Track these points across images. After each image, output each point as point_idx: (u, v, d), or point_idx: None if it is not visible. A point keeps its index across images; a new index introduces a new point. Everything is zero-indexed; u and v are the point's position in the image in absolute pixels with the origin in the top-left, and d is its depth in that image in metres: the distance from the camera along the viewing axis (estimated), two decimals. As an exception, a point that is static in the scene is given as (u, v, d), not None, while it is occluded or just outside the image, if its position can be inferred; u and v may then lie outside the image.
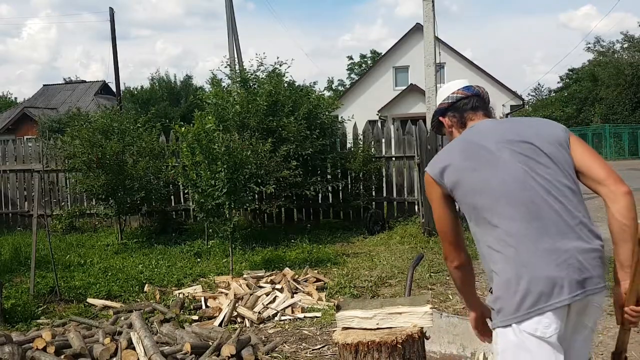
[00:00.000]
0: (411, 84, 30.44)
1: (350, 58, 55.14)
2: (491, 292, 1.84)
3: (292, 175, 8.18)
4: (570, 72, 42.20)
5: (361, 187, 9.70)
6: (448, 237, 2.08)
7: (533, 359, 1.72)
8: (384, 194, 9.89)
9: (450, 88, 2.24)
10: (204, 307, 5.30)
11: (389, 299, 2.04)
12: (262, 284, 5.79)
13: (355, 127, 10.07)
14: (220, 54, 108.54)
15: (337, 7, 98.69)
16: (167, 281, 6.38)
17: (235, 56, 15.44)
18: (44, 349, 3.90)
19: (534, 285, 1.72)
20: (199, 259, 7.51)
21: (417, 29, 28.40)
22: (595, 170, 1.86)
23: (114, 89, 27.94)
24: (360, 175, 9.69)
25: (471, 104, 2.16)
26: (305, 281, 5.93)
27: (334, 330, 2.15)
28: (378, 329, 1.87)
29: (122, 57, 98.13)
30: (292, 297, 5.41)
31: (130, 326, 4.36)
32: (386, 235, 8.68)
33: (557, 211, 1.78)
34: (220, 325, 4.76)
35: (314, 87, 10.96)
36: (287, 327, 4.80)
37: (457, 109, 2.18)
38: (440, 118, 2.25)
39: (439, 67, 13.11)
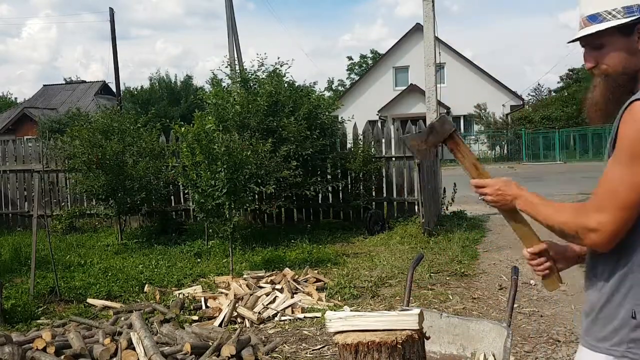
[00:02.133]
0: (411, 84, 30.48)
1: (350, 58, 55.19)
2: (635, 317, 1.48)
3: (292, 176, 8.18)
4: (570, 72, 42.19)
5: (361, 187, 9.69)
6: (625, 213, 1.46)
7: None
8: (384, 194, 9.89)
9: None
10: (204, 307, 5.30)
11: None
12: (262, 284, 5.78)
13: (355, 127, 10.07)
14: (220, 54, 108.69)
15: (337, 7, 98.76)
16: (167, 281, 6.38)
17: (236, 56, 15.45)
18: (44, 349, 3.90)
19: None
20: (199, 259, 7.51)
21: (417, 29, 28.43)
22: None
23: (114, 89, 27.96)
24: (360, 176, 9.69)
25: None
26: (305, 281, 5.93)
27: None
28: (376, 330, 1.87)
29: (122, 57, 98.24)
30: (292, 297, 5.41)
31: (130, 326, 4.36)
32: (386, 236, 8.67)
33: None
34: (220, 325, 4.76)
35: (314, 87, 10.96)
36: (287, 328, 4.80)
37: None
38: None
39: (439, 67, 13.12)
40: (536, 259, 1.75)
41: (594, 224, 1.48)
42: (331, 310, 5.12)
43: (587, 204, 1.53)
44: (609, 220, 1.46)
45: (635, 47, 1.56)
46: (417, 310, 1.84)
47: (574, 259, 1.79)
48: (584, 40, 1.64)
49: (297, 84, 10.01)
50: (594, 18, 1.59)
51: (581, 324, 1.65)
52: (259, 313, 5.03)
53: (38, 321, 5.11)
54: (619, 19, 1.55)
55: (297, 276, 5.98)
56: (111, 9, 24.68)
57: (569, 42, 1.71)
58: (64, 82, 41.99)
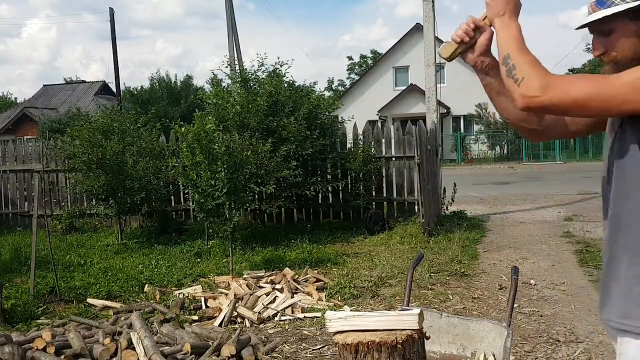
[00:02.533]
0: (411, 84, 30.48)
1: (350, 58, 55.22)
2: None
3: (292, 175, 8.18)
4: (570, 72, 42.24)
5: (361, 187, 9.69)
6: (586, 104, 1.44)
7: None
8: (384, 194, 9.89)
9: None
10: (204, 307, 5.30)
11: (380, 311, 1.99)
12: (262, 284, 5.78)
13: (355, 127, 10.07)
14: (220, 54, 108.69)
15: (337, 7, 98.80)
16: (167, 281, 6.38)
17: (236, 56, 15.44)
18: (44, 349, 3.90)
19: None
20: (199, 259, 7.51)
21: (417, 29, 28.44)
22: None
23: (114, 89, 27.97)
24: (360, 176, 9.69)
25: None
26: (305, 281, 5.93)
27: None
28: (376, 330, 1.87)
29: (122, 57, 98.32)
30: (292, 297, 5.41)
31: (130, 326, 4.36)
32: (386, 235, 8.67)
33: None
34: (220, 325, 4.76)
35: (314, 87, 10.97)
36: (287, 327, 4.80)
37: None
38: None
39: (439, 67, 13.11)
40: (469, 28, 1.72)
41: (541, 82, 1.44)
42: (331, 310, 5.12)
43: (553, 73, 1.49)
44: (555, 91, 1.43)
45: None
46: (417, 310, 1.84)
47: (475, 57, 1.76)
48: (592, 27, 1.58)
49: (297, 84, 10.01)
50: (602, 3, 1.54)
51: (610, 312, 1.56)
52: (259, 313, 5.03)
53: (38, 321, 5.11)
54: (627, 2, 1.49)
55: (297, 276, 5.98)
56: (111, 9, 24.71)
57: (577, 29, 1.65)
58: (64, 82, 41.99)
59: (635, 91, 1.40)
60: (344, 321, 1.87)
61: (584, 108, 1.45)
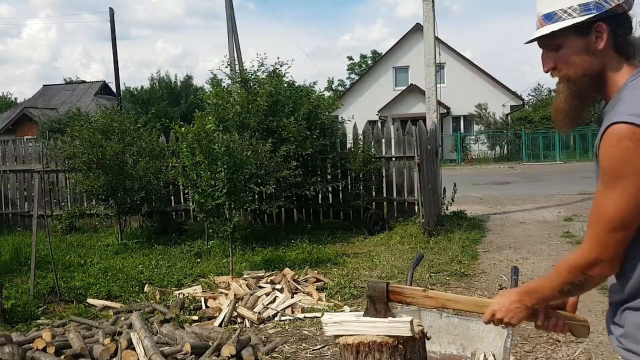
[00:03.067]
0: (411, 84, 30.46)
1: (351, 58, 55.17)
2: None
3: (292, 176, 8.17)
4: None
5: (361, 187, 9.69)
6: (622, 238, 1.40)
7: None
8: (384, 194, 9.89)
9: None
10: (204, 307, 5.30)
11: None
12: (262, 284, 5.78)
13: (355, 127, 10.07)
14: (220, 54, 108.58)
15: (337, 7, 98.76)
16: (167, 281, 6.37)
17: (236, 56, 15.43)
18: (44, 350, 3.90)
19: None
20: (199, 259, 7.51)
21: (417, 29, 28.43)
22: None
23: (114, 89, 27.96)
24: (360, 176, 9.69)
25: None
26: (305, 281, 5.93)
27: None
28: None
29: (122, 57, 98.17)
30: (292, 297, 5.41)
31: (130, 326, 4.36)
32: (386, 236, 8.67)
33: None
34: (220, 325, 4.75)
35: (314, 87, 10.98)
36: (287, 328, 4.80)
37: (627, 26, 1.47)
38: (601, 23, 1.45)
39: (439, 67, 13.12)
40: (548, 324, 1.68)
41: (593, 256, 1.43)
42: (331, 310, 5.12)
43: (582, 245, 1.47)
44: (605, 246, 1.41)
45: (594, 47, 1.45)
46: (409, 319, 1.83)
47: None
48: (541, 42, 1.53)
49: (297, 84, 10.02)
50: (549, 17, 1.49)
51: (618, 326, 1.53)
52: (259, 313, 5.03)
53: (38, 321, 5.11)
54: (574, 17, 1.44)
55: (297, 276, 5.98)
56: (111, 9, 24.71)
57: (525, 43, 1.59)
58: (64, 82, 41.99)
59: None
60: (339, 326, 1.87)
61: (628, 227, 1.39)
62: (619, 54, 1.47)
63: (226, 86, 10.28)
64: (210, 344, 3.89)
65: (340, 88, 51.20)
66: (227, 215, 6.50)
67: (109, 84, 35.39)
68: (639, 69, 1.46)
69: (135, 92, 32.77)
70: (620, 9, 1.44)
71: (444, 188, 10.56)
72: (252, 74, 9.77)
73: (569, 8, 1.46)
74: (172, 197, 10.36)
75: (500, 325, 1.71)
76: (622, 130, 1.32)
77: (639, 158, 1.31)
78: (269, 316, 5.05)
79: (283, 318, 5.02)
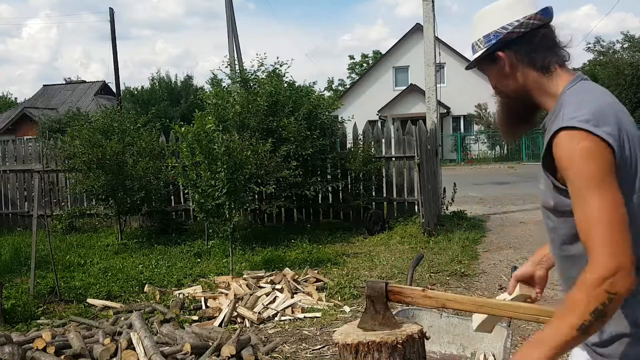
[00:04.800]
0: (411, 84, 30.47)
1: (352, 57, 55.09)
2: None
3: (292, 176, 8.17)
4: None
5: (361, 187, 9.69)
6: (627, 235, 1.32)
7: None
8: (384, 194, 9.89)
9: (515, 8, 1.54)
10: (204, 307, 5.30)
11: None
12: (262, 284, 5.78)
13: (355, 127, 10.07)
14: (220, 54, 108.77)
15: (338, 7, 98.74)
16: (167, 281, 6.38)
17: (236, 56, 15.43)
18: (44, 349, 3.90)
19: None
20: (199, 259, 7.51)
21: (417, 29, 28.44)
22: None
23: (114, 89, 27.95)
24: (360, 176, 9.69)
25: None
26: (305, 281, 5.93)
27: (334, 331, 2.14)
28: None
29: (122, 57, 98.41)
30: (292, 297, 5.41)
31: (130, 326, 4.36)
32: (386, 236, 8.67)
33: None
34: (220, 325, 4.76)
35: (313, 87, 10.96)
36: (287, 328, 4.80)
37: (537, 42, 1.54)
38: (498, 53, 1.56)
39: (439, 67, 13.11)
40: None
41: (614, 264, 1.29)
42: (331, 310, 5.13)
43: (591, 262, 1.34)
44: (619, 246, 1.31)
45: (505, 71, 1.58)
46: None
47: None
48: (477, 67, 1.68)
49: (297, 84, 10.02)
50: (472, 48, 1.65)
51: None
52: (259, 313, 5.03)
53: (38, 321, 5.11)
54: (482, 49, 1.60)
55: (297, 276, 5.98)
56: (111, 9, 24.70)
57: (466, 69, 1.79)
58: (64, 82, 41.94)
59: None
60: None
61: (626, 221, 1.33)
62: (540, 69, 1.53)
63: (226, 86, 10.28)
64: (210, 344, 3.89)
65: (340, 88, 51.19)
66: (227, 215, 6.51)
67: (109, 84, 35.37)
68: (577, 74, 1.52)
69: (135, 92, 32.74)
70: (514, 34, 1.52)
71: (444, 188, 10.56)
72: (252, 74, 9.77)
73: (478, 41, 1.61)
74: (172, 197, 10.36)
75: None
76: (574, 135, 1.35)
77: (599, 155, 1.33)
78: (269, 316, 5.06)
79: (283, 318, 5.02)
